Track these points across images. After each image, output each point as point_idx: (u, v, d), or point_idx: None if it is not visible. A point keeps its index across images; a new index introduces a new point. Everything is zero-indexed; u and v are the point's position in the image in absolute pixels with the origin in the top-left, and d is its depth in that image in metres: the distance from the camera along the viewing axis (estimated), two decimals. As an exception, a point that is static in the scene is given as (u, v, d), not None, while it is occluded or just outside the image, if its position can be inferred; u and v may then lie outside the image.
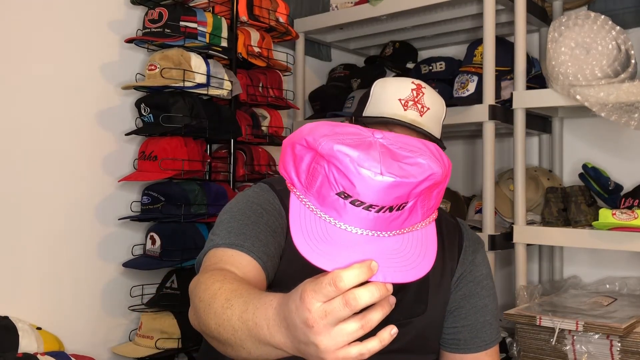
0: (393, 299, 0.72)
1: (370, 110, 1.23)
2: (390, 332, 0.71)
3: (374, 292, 0.68)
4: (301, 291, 0.71)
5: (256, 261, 1.04)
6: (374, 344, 0.70)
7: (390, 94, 1.21)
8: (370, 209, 0.76)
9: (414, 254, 0.78)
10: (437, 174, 0.78)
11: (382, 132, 0.83)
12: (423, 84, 1.23)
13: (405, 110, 1.19)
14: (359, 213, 0.76)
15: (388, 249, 0.77)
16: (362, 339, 0.70)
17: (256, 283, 1.00)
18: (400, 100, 1.19)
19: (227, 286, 0.89)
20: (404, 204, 0.77)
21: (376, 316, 0.70)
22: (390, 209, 0.76)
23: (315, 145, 0.78)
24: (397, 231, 0.79)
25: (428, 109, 1.20)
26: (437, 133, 1.23)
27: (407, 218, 0.79)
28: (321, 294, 0.69)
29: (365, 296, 0.68)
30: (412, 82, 1.22)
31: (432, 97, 1.22)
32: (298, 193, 0.83)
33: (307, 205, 0.81)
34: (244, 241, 1.05)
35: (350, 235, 0.77)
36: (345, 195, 0.76)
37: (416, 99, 1.20)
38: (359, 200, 0.75)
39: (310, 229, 0.79)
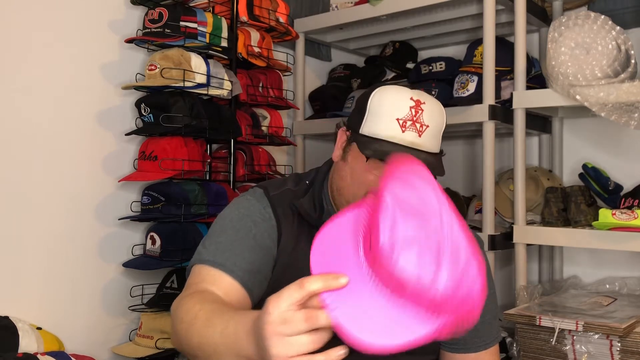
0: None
1: (367, 128, 1.20)
2: (338, 353, 0.73)
3: (330, 329, 0.73)
4: (267, 300, 0.75)
5: (237, 281, 1.09)
6: (320, 359, 0.73)
7: (388, 113, 1.17)
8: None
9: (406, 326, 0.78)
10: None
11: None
12: (422, 97, 1.19)
13: (403, 132, 1.16)
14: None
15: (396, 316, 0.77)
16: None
17: (238, 302, 1.08)
18: (398, 120, 1.16)
19: (207, 307, 0.96)
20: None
21: (326, 336, 0.74)
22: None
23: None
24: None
25: (427, 126, 1.18)
26: (436, 147, 1.22)
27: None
28: (285, 296, 0.73)
29: (323, 320, 0.72)
30: (411, 99, 1.18)
31: (431, 112, 1.19)
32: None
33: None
34: (226, 260, 1.11)
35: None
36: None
37: (415, 118, 1.17)
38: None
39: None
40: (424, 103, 1.18)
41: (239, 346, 0.82)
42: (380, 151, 1.14)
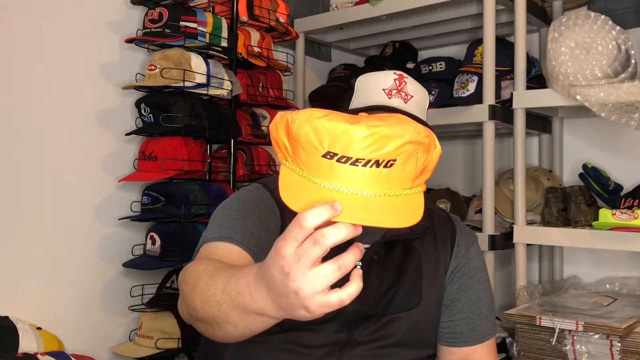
0: (361, 246, 0.73)
1: (355, 104, 1.26)
2: (359, 273, 0.72)
3: (342, 230, 0.70)
4: (274, 244, 0.73)
5: (246, 252, 1.07)
6: (353, 288, 0.71)
7: (374, 85, 1.23)
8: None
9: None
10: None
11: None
12: (404, 74, 1.26)
13: (389, 98, 1.21)
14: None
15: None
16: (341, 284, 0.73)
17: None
18: (384, 89, 1.22)
19: (211, 267, 0.92)
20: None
21: (349, 258, 0.71)
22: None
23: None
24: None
25: (412, 96, 1.23)
26: (423, 118, 1.25)
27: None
28: (290, 239, 0.70)
29: (332, 234, 0.69)
30: (394, 73, 1.25)
31: (414, 86, 1.25)
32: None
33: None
34: (234, 234, 1.09)
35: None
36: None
37: (399, 88, 1.22)
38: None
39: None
40: (407, 77, 1.25)
41: (242, 302, 0.80)
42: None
